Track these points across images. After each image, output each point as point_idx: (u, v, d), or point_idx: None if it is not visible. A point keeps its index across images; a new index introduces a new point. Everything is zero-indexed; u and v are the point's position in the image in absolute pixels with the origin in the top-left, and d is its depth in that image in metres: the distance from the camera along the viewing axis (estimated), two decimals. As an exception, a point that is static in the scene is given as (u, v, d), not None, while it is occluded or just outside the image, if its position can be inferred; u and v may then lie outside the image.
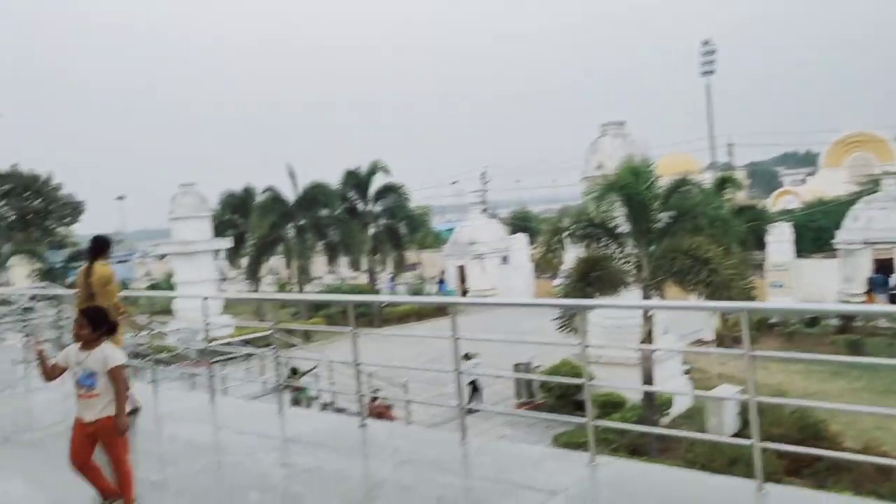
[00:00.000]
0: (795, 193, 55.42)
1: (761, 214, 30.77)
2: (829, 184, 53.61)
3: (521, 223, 57.07)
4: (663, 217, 17.59)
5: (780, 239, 34.23)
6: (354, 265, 40.56)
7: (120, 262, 58.08)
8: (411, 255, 47.51)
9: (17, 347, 11.73)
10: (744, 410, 16.73)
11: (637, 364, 18.20)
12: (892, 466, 11.21)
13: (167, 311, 31.63)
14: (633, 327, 18.83)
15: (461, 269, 44.57)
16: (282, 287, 46.19)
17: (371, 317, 34.70)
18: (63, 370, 4.88)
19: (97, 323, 4.84)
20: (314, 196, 37.98)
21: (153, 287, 54.13)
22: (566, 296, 17.60)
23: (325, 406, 16.15)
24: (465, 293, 43.23)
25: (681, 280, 16.45)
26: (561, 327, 16.78)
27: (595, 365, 18.32)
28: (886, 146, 56.59)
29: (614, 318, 21.15)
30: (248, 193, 41.61)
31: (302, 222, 38.00)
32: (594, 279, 17.06)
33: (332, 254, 39.42)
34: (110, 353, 4.80)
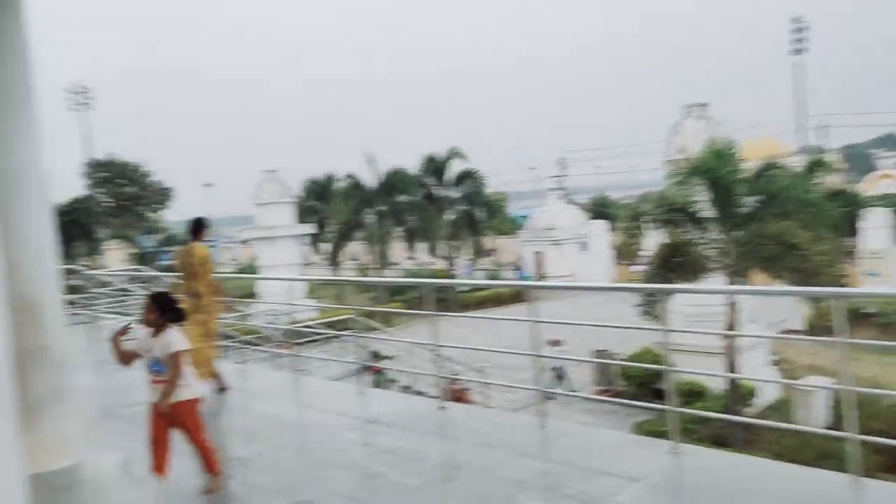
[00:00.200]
0: (894, 177, 52.52)
1: (856, 199, 29.33)
2: (931, 167, 50.59)
3: (600, 209, 56.18)
4: (749, 202, 17.00)
5: (876, 225, 32.54)
6: (432, 251, 40.85)
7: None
8: (488, 241, 47.49)
9: (113, 327, 12.33)
10: (836, 403, 16.04)
11: (721, 353, 17.70)
12: None
13: (252, 294, 32.62)
14: (717, 315, 18.31)
15: (538, 256, 44.27)
16: (362, 272, 46.97)
17: (449, 302, 34.91)
18: (137, 356, 4.89)
19: (165, 308, 4.82)
20: (393, 182, 38.42)
21: (239, 271, 55.96)
22: (647, 282, 17.26)
23: (404, 389, 16.37)
24: (542, 279, 42.94)
25: (767, 266, 15.89)
26: (642, 314, 16.47)
27: (676, 353, 17.91)
28: None
29: (697, 305, 20.61)
30: (329, 180, 42.40)
31: (381, 208, 38.50)
32: (676, 265, 16.66)
33: (410, 239, 39.83)
34: (172, 338, 4.78)
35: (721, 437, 15.43)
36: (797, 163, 27.19)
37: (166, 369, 4.73)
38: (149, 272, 16.10)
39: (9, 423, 1.85)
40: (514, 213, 65.92)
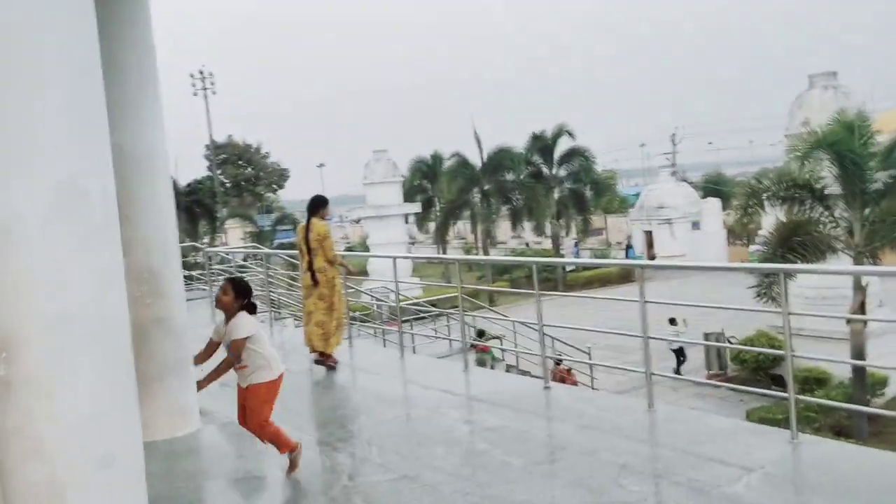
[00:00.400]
0: None
1: None
2: None
3: (713, 186, 53.97)
4: (881, 177, 15.83)
5: None
6: (538, 230, 40.49)
7: (319, 225, 61.93)
8: (596, 220, 46.60)
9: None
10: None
11: (845, 338, 16.66)
12: None
13: (363, 272, 33.49)
14: (841, 298, 17.25)
15: (648, 235, 43.07)
16: (468, 251, 47.24)
17: (555, 282, 34.57)
18: (217, 344, 4.86)
19: (241, 293, 4.76)
20: (499, 160, 38.27)
21: (349, 249, 57.54)
22: (764, 262, 16.43)
23: (508, 368, 16.37)
24: (652, 259, 41.79)
25: (901, 246, 14.79)
26: (758, 296, 15.71)
27: (795, 337, 17.02)
28: None
29: (819, 287, 19.50)
30: (435, 159, 42.74)
31: (487, 187, 38.45)
32: (797, 244, 15.75)
33: (516, 218, 39.62)
34: (237, 324, 4.72)
35: (844, 428, 14.61)
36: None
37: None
38: (264, 249, 16.77)
39: (129, 392, 1.94)
40: (625, 191, 64.33)
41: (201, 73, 49.14)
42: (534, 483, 4.59)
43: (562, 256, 38.93)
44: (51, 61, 1.81)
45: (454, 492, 4.52)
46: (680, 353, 20.19)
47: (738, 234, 40.04)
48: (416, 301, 17.86)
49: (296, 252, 8.53)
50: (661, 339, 15.51)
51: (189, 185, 44.95)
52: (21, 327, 1.76)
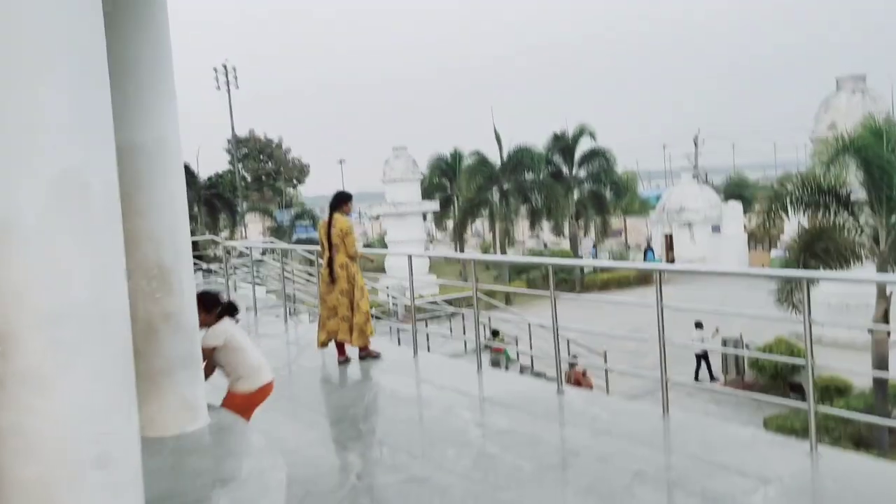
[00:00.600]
0: None
1: None
2: None
3: (735, 190, 53.43)
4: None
5: None
6: (557, 230, 40.30)
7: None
8: (616, 222, 46.32)
9: (248, 296, 12.95)
10: None
11: (867, 347, 16.39)
12: None
13: (381, 269, 33.49)
14: (865, 306, 16.97)
15: (668, 238, 42.73)
16: (485, 250, 47.12)
17: (572, 283, 34.39)
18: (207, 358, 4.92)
19: (206, 305, 4.86)
20: (519, 159, 38.12)
21: (367, 246, 57.66)
22: (786, 267, 16.21)
23: (523, 369, 16.29)
24: (671, 262, 41.44)
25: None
26: (779, 301, 15.50)
27: (816, 345, 16.78)
28: None
29: (842, 294, 19.21)
30: (455, 157, 42.68)
31: (507, 186, 38.32)
32: (820, 251, 15.51)
33: (534, 218, 39.46)
34: (207, 334, 4.85)
35: (864, 438, 14.36)
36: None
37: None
38: (281, 244, 16.81)
39: (128, 392, 1.90)
40: (646, 192, 63.89)
41: (224, 66, 49.40)
42: (545, 488, 4.52)
43: (580, 257, 38.71)
44: (53, 51, 1.77)
45: (464, 495, 4.46)
46: (704, 359, 19.95)
47: (760, 238, 39.62)
48: (432, 299, 17.82)
49: (312, 248, 8.52)
50: (678, 343, 15.39)
51: (210, 178, 45.23)
52: (17, 323, 1.72)
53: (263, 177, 63.11)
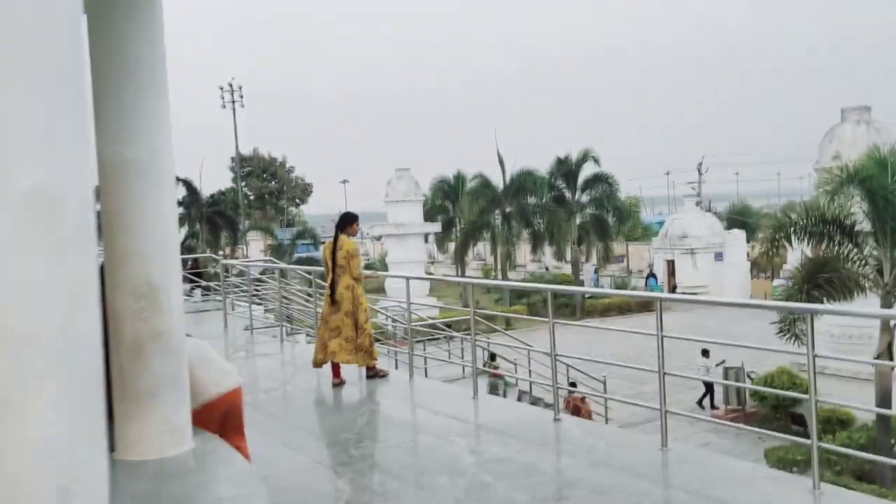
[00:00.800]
0: None
1: None
2: None
3: (738, 218, 53.43)
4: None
5: None
6: (559, 255, 40.19)
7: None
8: (618, 247, 46.20)
9: (246, 315, 12.83)
10: None
11: (870, 379, 16.21)
12: None
13: (381, 289, 33.33)
14: (868, 338, 16.82)
15: (670, 264, 42.61)
16: (486, 273, 46.99)
17: (572, 308, 34.22)
18: None
19: None
20: (522, 183, 38.11)
21: (368, 267, 57.51)
22: (789, 298, 16.07)
23: (521, 395, 16.10)
24: (673, 289, 41.25)
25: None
26: (780, 332, 15.35)
27: (818, 376, 16.59)
28: None
29: (845, 325, 19.06)
30: (457, 179, 42.69)
31: (509, 209, 38.29)
32: (823, 282, 15.39)
33: (536, 242, 39.36)
34: None
35: (867, 473, 14.14)
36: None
37: None
38: (280, 264, 16.72)
39: (96, 421, 1.80)
40: (649, 219, 63.89)
41: (230, 85, 49.70)
42: (538, 522, 4.39)
43: (581, 283, 38.55)
44: (28, 58, 1.69)
45: (454, 527, 4.33)
46: (711, 387, 19.86)
47: (763, 267, 39.48)
48: (430, 322, 17.69)
49: (310, 269, 8.44)
50: (677, 374, 15.21)
51: (213, 195, 45.27)
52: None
53: (266, 195, 63.20)
